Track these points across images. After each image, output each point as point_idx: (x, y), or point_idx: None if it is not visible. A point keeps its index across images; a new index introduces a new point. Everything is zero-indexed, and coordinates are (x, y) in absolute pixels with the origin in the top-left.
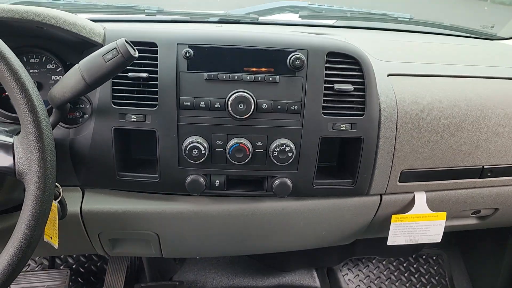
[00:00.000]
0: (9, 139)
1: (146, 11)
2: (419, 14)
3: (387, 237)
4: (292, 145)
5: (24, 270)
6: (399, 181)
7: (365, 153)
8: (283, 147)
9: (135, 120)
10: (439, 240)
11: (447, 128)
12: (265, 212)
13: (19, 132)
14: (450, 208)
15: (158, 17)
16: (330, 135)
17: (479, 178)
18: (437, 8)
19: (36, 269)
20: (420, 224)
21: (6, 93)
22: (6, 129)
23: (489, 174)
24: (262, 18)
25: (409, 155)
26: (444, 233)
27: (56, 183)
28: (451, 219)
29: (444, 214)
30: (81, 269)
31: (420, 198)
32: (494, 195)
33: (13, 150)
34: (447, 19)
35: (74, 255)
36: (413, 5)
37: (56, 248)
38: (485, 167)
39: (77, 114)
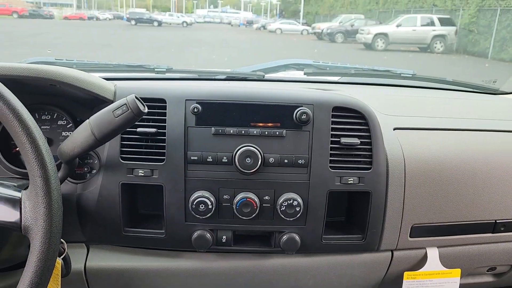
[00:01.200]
0: (17, 194)
1: (155, 69)
2: (422, 70)
3: None
4: (299, 200)
5: None
6: (410, 236)
7: (374, 207)
8: (291, 202)
9: (142, 174)
10: None
11: (456, 181)
12: (272, 269)
13: (27, 187)
14: (464, 265)
15: (168, 75)
16: (337, 189)
17: (492, 233)
18: (440, 65)
19: None
20: (433, 281)
21: (17, 148)
22: (15, 184)
23: (502, 229)
24: (268, 75)
25: (419, 209)
26: None
27: (61, 239)
28: (466, 277)
29: (458, 271)
30: None
31: (433, 254)
32: (509, 250)
33: (20, 204)
34: (450, 75)
35: None
36: (415, 62)
37: None
38: (497, 221)
39: (85, 169)
